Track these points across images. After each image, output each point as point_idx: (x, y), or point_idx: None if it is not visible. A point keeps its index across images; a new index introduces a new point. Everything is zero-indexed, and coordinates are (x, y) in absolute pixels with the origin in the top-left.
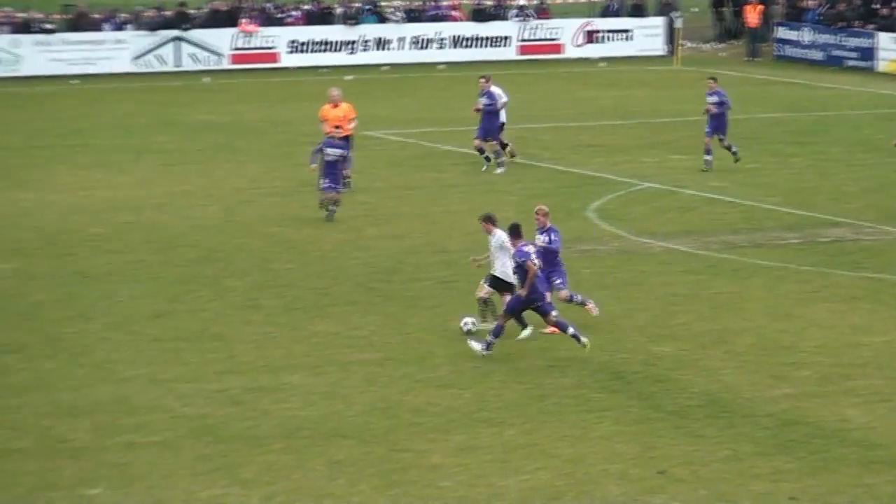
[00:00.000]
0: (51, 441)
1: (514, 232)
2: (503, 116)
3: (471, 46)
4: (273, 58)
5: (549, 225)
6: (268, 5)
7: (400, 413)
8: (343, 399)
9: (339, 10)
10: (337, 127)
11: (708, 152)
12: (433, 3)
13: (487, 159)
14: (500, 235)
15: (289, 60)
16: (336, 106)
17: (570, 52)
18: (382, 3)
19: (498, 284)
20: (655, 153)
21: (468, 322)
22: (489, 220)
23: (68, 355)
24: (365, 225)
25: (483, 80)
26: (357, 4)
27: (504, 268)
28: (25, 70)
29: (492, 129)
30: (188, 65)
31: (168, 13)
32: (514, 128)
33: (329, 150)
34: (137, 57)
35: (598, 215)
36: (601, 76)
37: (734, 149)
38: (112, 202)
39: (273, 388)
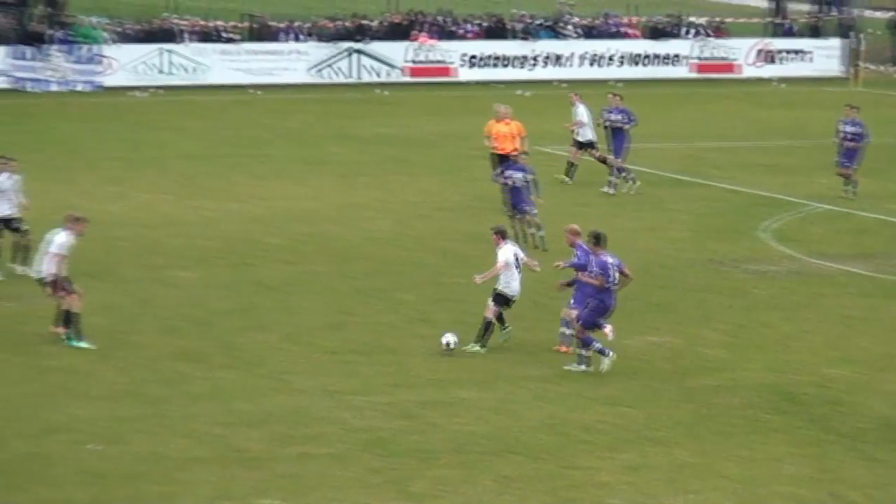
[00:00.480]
0: (226, 450)
1: (597, 240)
2: (591, 134)
3: (645, 64)
4: (448, 71)
5: (577, 242)
6: (444, 19)
7: (569, 430)
8: (512, 414)
9: (514, 26)
10: (515, 150)
11: (845, 180)
12: (609, 20)
13: (630, 179)
14: (508, 250)
15: (464, 74)
16: (503, 122)
17: (746, 71)
18: (558, 21)
19: (501, 301)
20: (831, 174)
21: (448, 340)
22: (499, 234)
23: (245, 365)
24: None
25: (573, 96)
26: (533, 20)
27: (508, 283)
28: (208, 79)
29: (618, 147)
30: (364, 76)
31: (346, 25)
32: (685, 146)
33: (510, 173)
34: (315, 68)
35: (771, 235)
36: (777, 96)
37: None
38: (289, 213)
39: (443, 403)
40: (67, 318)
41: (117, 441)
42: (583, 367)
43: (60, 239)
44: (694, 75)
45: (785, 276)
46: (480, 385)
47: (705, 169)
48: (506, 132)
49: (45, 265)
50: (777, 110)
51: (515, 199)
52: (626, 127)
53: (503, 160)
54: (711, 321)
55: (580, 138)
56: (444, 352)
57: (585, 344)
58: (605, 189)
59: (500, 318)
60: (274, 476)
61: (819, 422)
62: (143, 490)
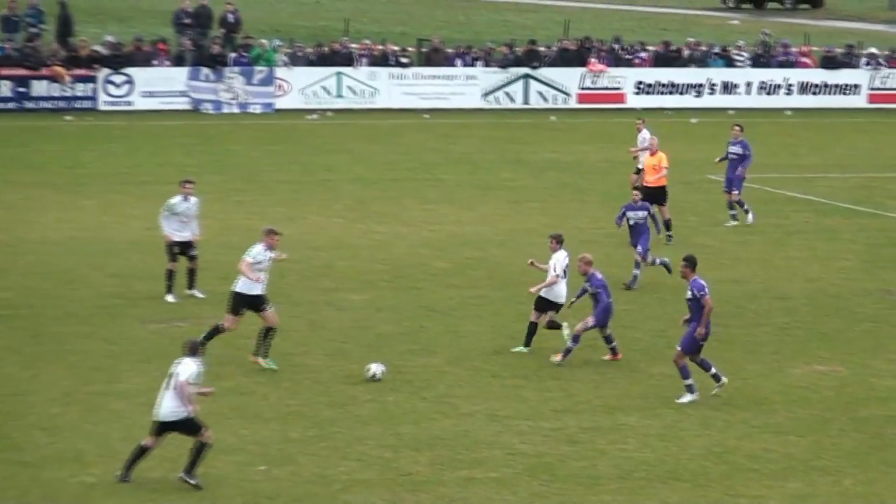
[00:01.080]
0: (393, 473)
1: (692, 264)
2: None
3: (819, 93)
4: (620, 98)
5: (591, 271)
6: (616, 46)
7: (736, 458)
8: (678, 442)
9: (687, 53)
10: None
11: None
12: (782, 49)
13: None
14: (561, 256)
15: (635, 101)
16: (653, 154)
17: None
18: (731, 48)
19: (544, 305)
20: None
21: (374, 371)
22: (556, 240)
23: (412, 388)
24: (705, 269)
25: (639, 122)
26: (705, 48)
27: (550, 288)
28: (381, 102)
29: (734, 178)
30: (536, 102)
31: (518, 50)
32: (859, 176)
33: (630, 214)
34: (487, 93)
35: None
36: None
37: None
38: (458, 237)
39: (609, 429)
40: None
41: (286, 462)
42: (693, 397)
43: (254, 249)
44: (870, 105)
45: None
46: (646, 412)
47: (880, 199)
48: (654, 164)
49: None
50: None
51: (634, 236)
52: (743, 164)
53: (653, 192)
54: (882, 351)
55: (641, 165)
56: (367, 380)
57: (684, 375)
58: (730, 223)
59: (553, 325)
60: (440, 499)
61: None
62: None
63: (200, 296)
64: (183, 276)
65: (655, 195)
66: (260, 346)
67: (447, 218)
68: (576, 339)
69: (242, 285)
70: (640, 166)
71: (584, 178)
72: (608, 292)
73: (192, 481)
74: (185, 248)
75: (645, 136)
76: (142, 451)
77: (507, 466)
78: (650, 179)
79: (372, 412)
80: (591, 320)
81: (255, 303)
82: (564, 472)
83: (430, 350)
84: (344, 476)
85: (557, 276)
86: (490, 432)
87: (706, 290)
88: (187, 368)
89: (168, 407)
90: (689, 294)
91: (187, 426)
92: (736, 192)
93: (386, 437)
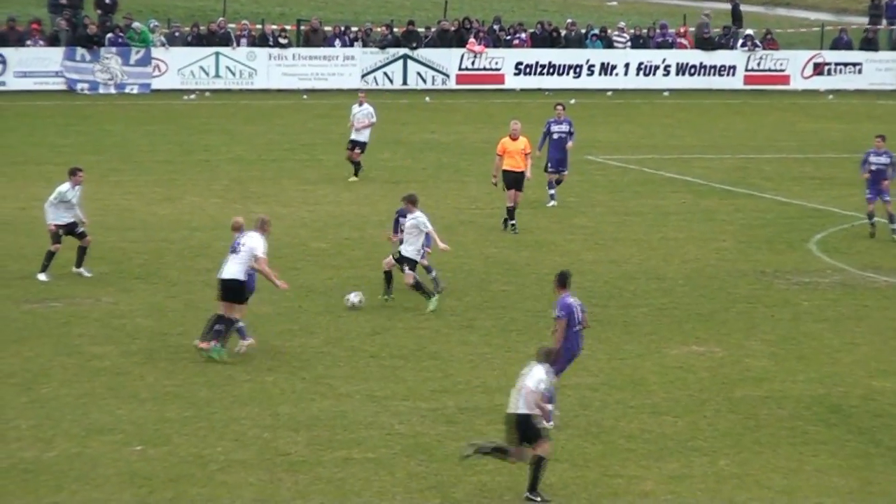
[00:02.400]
0: (271, 454)
1: (562, 281)
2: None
3: (696, 74)
4: (499, 79)
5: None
6: (495, 27)
7: (613, 438)
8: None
9: (565, 34)
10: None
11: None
12: (660, 30)
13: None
14: (419, 217)
15: (514, 82)
16: (515, 139)
17: (797, 83)
18: (609, 30)
19: (402, 261)
20: None
21: (352, 298)
22: (410, 201)
23: (289, 369)
24: (582, 249)
25: (361, 95)
26: (584, 30)
27: (409, 247)
28: (259, 83)
29: (563, 158)
30: (415, 83)
31: (398, 31)
32: (736, 157)
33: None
34: (366, 74)
35: (819, 248)
36: (828, 108)
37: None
38: (336, 218)
39: (487, 409)
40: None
41: (162, 443)
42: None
43: (254, 242)
44: (746, 87)
45: (832, 288)
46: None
47: (756, 180)
48: (518, 149)
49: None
50: (828, 122)
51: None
52: (570, 141)
53: (515, 177)
54: (757, 332)
55: (356, 137)
56: (349, 309)
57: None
58: (552, 203)
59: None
60: (317, 480)
61: (866, 434)
62: (185, 492)
63: (87, 274)
64: (65, 256)
65: (516, 180)
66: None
67: (326, 199)
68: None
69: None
70: (353, 138)
71: (463, 159)
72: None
73: (537, 499)
74: (70, 228)
75: (368, 109)
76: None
77: (385, 447)
78: (511, 164)
79: (250, 392)
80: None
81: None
82: (442, 453)
83: (309, 331)
84: (221, 456)
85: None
86: (368, 413)
87: (565, 313)
88: (534, 375)
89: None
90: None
91: (527, 428)
92: (565, 171)
93: (264, 417)
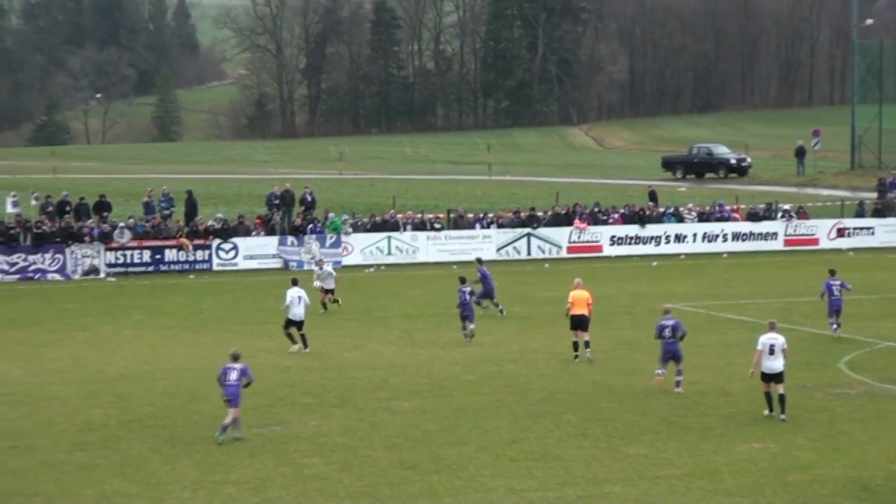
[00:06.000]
0: None
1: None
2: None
3: (747, 240)
4: (598, 248)
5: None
6: (595, 209)
7: None
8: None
9: (648, 213)
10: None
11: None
12: (718, 208)
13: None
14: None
15: (610, 251)
16: (579, 288)
17: (825, 244)
18: (681, 208)
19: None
20: (894, 320)
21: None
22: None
23: (449, 471)
24: (666, 375)
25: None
26: (661, 209)
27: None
28: (421, 258)
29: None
30: (536, 254)
31: (522, 215)
32: (779, 301)
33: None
34: (500, 248)
35: (847, 367)
36: (849, 262)
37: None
38: (480, 356)
39: (598, 496)
40: None
41: None
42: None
43: None
44: (785, 248)
45: (859, 397)
46: (626, 483)
47: (796, 317)
48: (583, 297)
49: None
50: (850, 273)
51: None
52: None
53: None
54: (802, 431)
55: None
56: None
57: None
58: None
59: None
60: None
61: None
62: None
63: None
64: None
65: (579, 322)
66: None
67: (472, 342)
68: None
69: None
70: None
71: None
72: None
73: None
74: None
75: (327, 270)
76: None
77: None
78: (577, 311)
79: (419, 489)
80: None
81: None
82: None
83: (463, 441)
84: None
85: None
86: (509, 502)
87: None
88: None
89: None
90: None
91: None
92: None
93: None
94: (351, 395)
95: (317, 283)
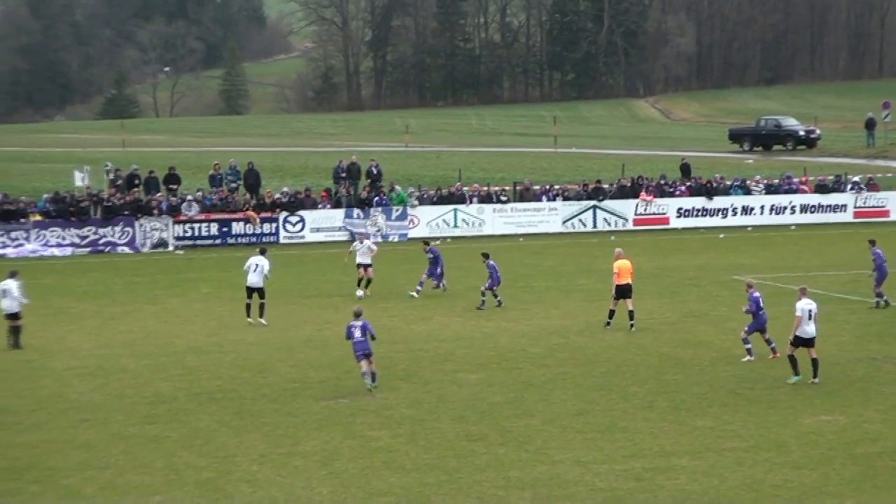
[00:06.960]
0: None
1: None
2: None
3: (815, 212)
4: (665, 220)
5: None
6: (662, 181)
7: (763, 488)
8: (719, 477)
9: (715, 185)
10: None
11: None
12: (787, 180)
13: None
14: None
15: (676, 223)
16: (620, 258)
17: (895, 216)
18: (748, 181)
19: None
20: None
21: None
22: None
23: (517, 443)
24: (733, 346)
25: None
26: (728, 182)
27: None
28: (487, 230)
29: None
30: (602, 226)
31: (588, 187)
32: (848, 273)
33: None
34: (566, 220)
35: None
36: None
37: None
38: (546, 329)
39: (665, 468)
40: None
41: (423, 503)
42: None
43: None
44: (855, 220)
45: None
46: (693, 455)
47: (865, 290)
48: (626, 266)
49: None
50: None
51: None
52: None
53: (624, 288)
54: (872, 403)
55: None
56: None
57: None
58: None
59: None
60: None
61: None
62: None
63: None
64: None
65: (625, 290)
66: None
67: (539, 315)
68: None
69: None
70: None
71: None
72: None
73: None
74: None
75: (367, 244)
76: None
77: (589, 499)
78: (623, 281)
79: (486, 461)
80: None
81: None
82: (633, 502)
83: (529, 414)
84: None
85: None
86: (576, 474)
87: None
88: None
89: None
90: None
91: None
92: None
93: (498, 479)
94: (418, 367)
95: (354, 257)
